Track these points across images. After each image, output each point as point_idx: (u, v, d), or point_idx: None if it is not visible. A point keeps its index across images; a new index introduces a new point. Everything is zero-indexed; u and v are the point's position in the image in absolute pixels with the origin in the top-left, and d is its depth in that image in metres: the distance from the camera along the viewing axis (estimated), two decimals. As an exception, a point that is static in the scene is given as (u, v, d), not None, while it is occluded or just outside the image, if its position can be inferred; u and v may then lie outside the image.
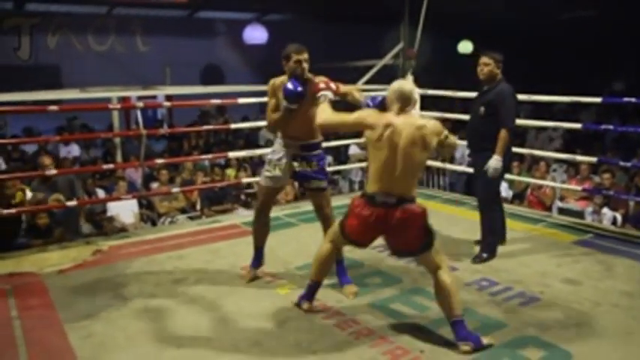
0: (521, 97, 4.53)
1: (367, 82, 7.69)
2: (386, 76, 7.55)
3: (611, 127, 6.90)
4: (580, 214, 6.43)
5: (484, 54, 4.19)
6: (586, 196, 6.77)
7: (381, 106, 3.17)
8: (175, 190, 6.44)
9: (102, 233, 6.09)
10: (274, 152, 3.70)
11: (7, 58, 11.07)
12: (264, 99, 4.07)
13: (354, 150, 9.51)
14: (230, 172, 8.03)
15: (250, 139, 10.43)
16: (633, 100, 4.89)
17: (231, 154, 6.43)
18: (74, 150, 9.26)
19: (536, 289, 3.66)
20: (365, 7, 10.91)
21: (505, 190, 7.44)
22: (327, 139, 4.15)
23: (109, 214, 6.66)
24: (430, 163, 6.99)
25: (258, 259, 3.89)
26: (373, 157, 2.94)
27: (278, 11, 13.12)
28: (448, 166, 7.66)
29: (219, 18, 13.18)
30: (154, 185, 7.43)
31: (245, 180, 6.96)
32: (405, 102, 2.95)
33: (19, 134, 9.64)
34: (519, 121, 5.18)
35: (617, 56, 12.93)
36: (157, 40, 12.49)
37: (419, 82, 6.63)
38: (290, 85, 3.39)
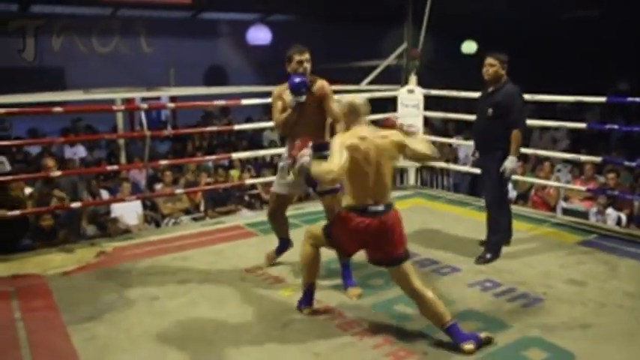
0: (524, 97, 4.52)
1: (371, 83, 7.69)
2: (389, 76, 7.56)
3: (615, 126, 6.88)
4: (584, 215, 6.40)
5: (489, 55, 4.18)
6: (590, 197, 6.73)
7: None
8: (179, 191, 6.45)
9: (106, 235, 6.11)
10: (285, 159, 3.76)
11: (11, 60, 11.10)
12: (268, 100, 4.10)
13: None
14: (234, 173, 8.04)
15: (254, 140, 10.42)
16: (638, 99, 4.87)
17: (235, 155, 6.41)
18: (80, 151, 9.29)
19: (540, 290, 3.65)
20: (365, 7, 10.91)
21: (509, 191, 7.40)
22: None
23: (112, 215, 6.67)
24: (434, 163, 6.97)
25: (282, 247, 4.07)
26: (354, 171, 2.94)
27: (282, 12, 13.14)
28: (452, 166, 7.64)
29: (223, 19, 13.20)
30: (158, 186, 7.44)
31: (249, 181, 6.96)
32: (356, 114, 3.06)
33: (22, 136, 9.66)
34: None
35: (620, 56, 12.87)
36: (161, 42, 12.51)
37: (422, 82, 6.64)
38: (293, 78, 3.48)
